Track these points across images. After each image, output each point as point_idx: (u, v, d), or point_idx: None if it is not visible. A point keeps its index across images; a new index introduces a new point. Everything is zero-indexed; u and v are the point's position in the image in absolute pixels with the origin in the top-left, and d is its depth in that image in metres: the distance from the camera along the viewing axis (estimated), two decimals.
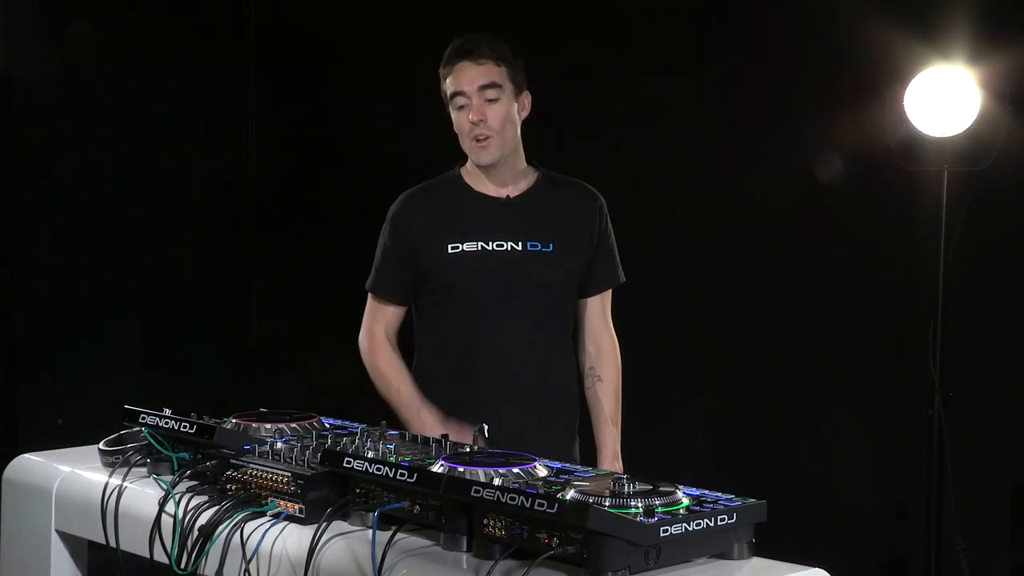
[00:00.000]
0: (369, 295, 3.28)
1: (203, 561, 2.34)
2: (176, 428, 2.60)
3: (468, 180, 3.22)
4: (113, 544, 2.57)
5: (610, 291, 3.28)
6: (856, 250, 4.56)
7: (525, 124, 3.20)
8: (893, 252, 4.52)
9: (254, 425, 2.65)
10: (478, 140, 3.10)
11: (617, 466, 3.20)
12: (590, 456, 3.23)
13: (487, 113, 3.09)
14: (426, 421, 3.08)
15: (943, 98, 4.09)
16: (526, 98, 3.17)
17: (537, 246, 3.16)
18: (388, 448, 2.38)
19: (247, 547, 2.28)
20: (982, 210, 4.20)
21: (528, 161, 3.24)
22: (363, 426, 2.70)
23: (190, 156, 5.66)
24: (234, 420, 2.68)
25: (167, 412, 2.66)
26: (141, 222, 5.50)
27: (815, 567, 2.04)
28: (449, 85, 3.12)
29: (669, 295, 4.79)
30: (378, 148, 5.54)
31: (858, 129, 4.34)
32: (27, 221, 5.26)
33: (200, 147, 5.74)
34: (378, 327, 3.25)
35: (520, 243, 3.15)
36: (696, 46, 4.76)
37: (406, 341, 3.29)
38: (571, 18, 4.98)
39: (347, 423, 2.82)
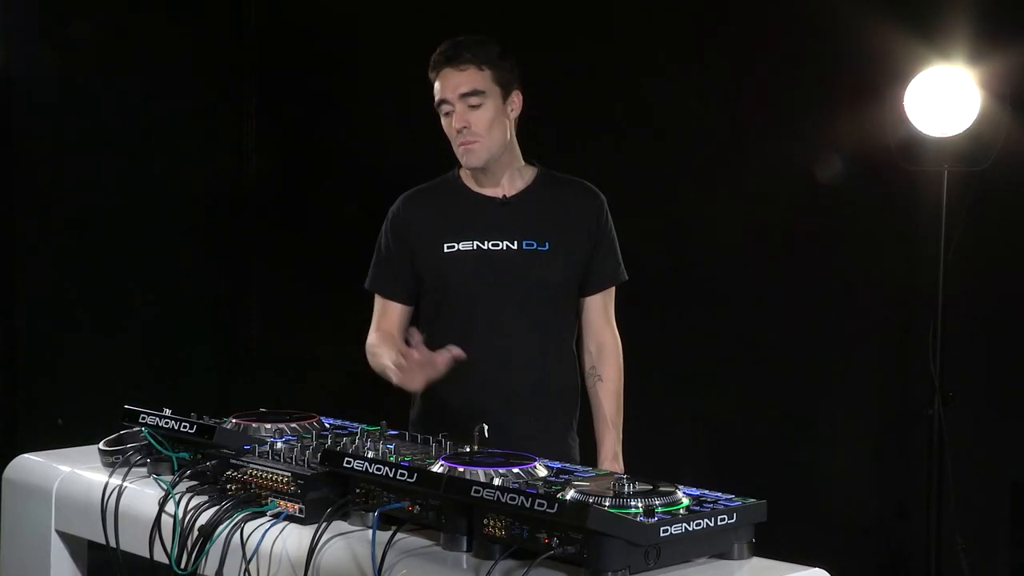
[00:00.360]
0: (375, 296, 3.29)
1: (203, 561, 2.34)
2: (176, 428, 2.60)
3: (466, 181, 3.22)
4: (113, 544, 2.57)
5: (612, 290, 3.27)
6: (856, 250, 4.55)
7: (524, 124, 3.20)
8: (893, 252, 4.52)
9: (254, 425, 2.65)
10: (464, 145, 3.11)
11: (616, 467, 3.18)
12: (591, 456, 3.23)
13: (470, 119, 3.09)
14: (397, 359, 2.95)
15: (943, 98, 4.09)
16: (516, 97, 3.16)
17: (533, 245, 3.15)
18: (388, 448, 2.38)
19: (247, 547, 2.28)
20: (982, 210, 4.19)
21: (528, 160, 3.24)
22: (363, 426, 2.71)
23: (190, 156, 5.66)
24: (234, 420, 2.69)
25: (167, 412, 2.66)
26: (141, 222, 5.51)
27: (815, 567, 2.04)
28: (436, 91, 3.14)
29: (669, 295, 4.79)
30: (377, 148, 5.54)
31: (858, 129, 4.34)
32: (27, 221, 5.26)
33: (200, 147, 5.74)
34: (384, 324, 3.25)
35: (516, 242, 3.15)
36: (696, 46, 4.76)
37: None
38: (571, 18, 4.98)
39: (347, 423, 2.83)
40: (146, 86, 5.46)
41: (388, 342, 3.16)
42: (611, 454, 3.20)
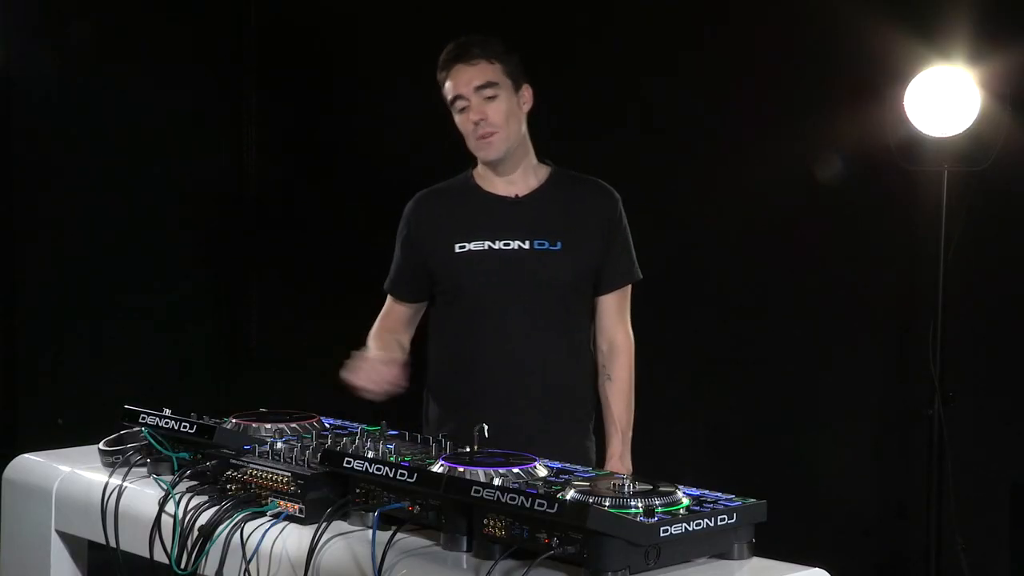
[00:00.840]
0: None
1: (203, 561, 2.34)
2: (176, 428, 2.60)
3: (479, 181, 3.23)
4: (113, 544, 2.57)
5: (627, 289, 3.26)
6: (856, 250, 4.55)
7: (528, 123, 3.20)
8: (893, 252, 4.52)
9: (254, 425, 2.65)
10: (483, 138, 3.11)
11: (621, 468, 3.17)
12: (604, 455, 3.23)
13: (487, 111, 3.09)
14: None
15: (943, 98, 4.08)
16: (526, 91, 3.17)
17: (544, 244, 3.15)
18: (388, 448, 2.38)
19: (247, 547, 2.28)
20: (982, 210, 4.19)
21: (542, 159, 3.24)
22: (363, 426, 2.70)
23: (190, 157, 5.66)
24: (234, 420, 2.69)
25: (167, 412, 2.66)
26: (141, 222, 5.51)
27: (815, 567, 2.04)
28: (448, 90, 3.14)
29: (669, 295, 4.78)
30: (377, 148, 5.54)
31: (858, 129, 4.34)
32: (27, 221, 5.26)
33: (200, 148, 5.74)
34: (386, 320, 3.30)
35: (527, 241, 3.15)
36: (696, 46, 4.76)
37: (418, 345, 3.32)
38: (571, 18, 4.98)
39: (347, 423, 2.83)
40: (146, 86, 5.46)
41: (379, 338, 3.22)
42: (617, 454, 3.20)
